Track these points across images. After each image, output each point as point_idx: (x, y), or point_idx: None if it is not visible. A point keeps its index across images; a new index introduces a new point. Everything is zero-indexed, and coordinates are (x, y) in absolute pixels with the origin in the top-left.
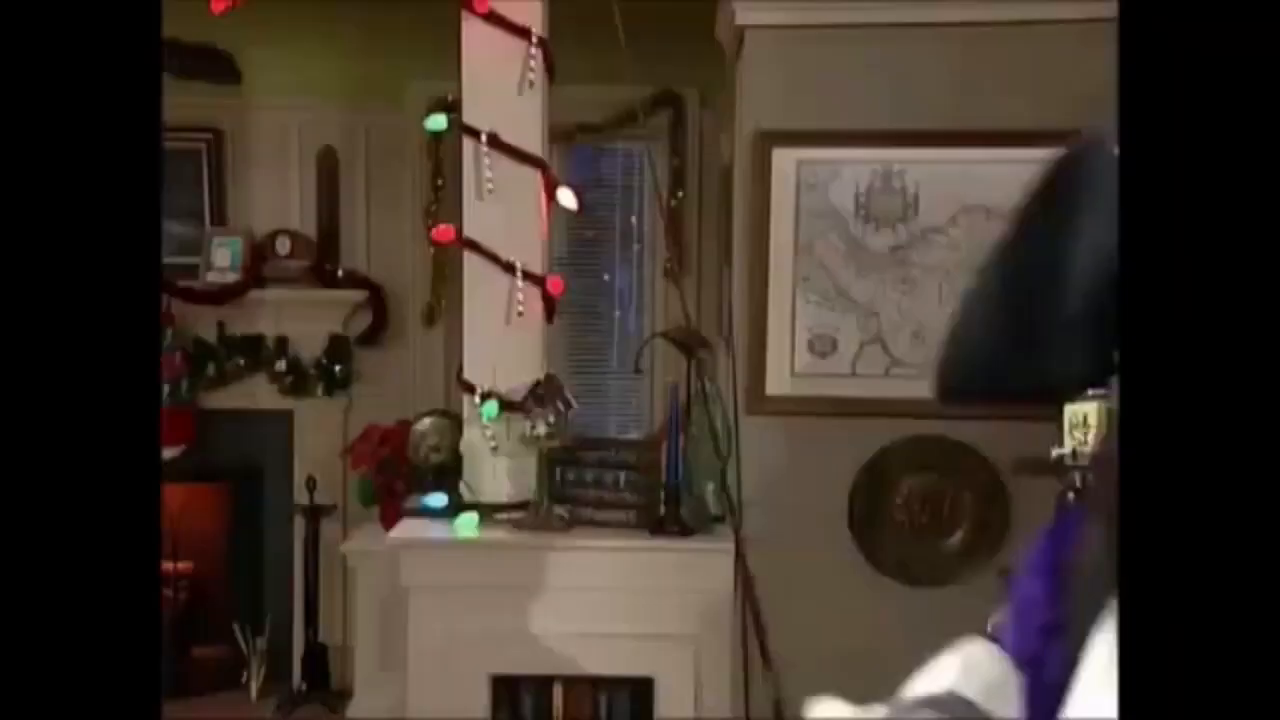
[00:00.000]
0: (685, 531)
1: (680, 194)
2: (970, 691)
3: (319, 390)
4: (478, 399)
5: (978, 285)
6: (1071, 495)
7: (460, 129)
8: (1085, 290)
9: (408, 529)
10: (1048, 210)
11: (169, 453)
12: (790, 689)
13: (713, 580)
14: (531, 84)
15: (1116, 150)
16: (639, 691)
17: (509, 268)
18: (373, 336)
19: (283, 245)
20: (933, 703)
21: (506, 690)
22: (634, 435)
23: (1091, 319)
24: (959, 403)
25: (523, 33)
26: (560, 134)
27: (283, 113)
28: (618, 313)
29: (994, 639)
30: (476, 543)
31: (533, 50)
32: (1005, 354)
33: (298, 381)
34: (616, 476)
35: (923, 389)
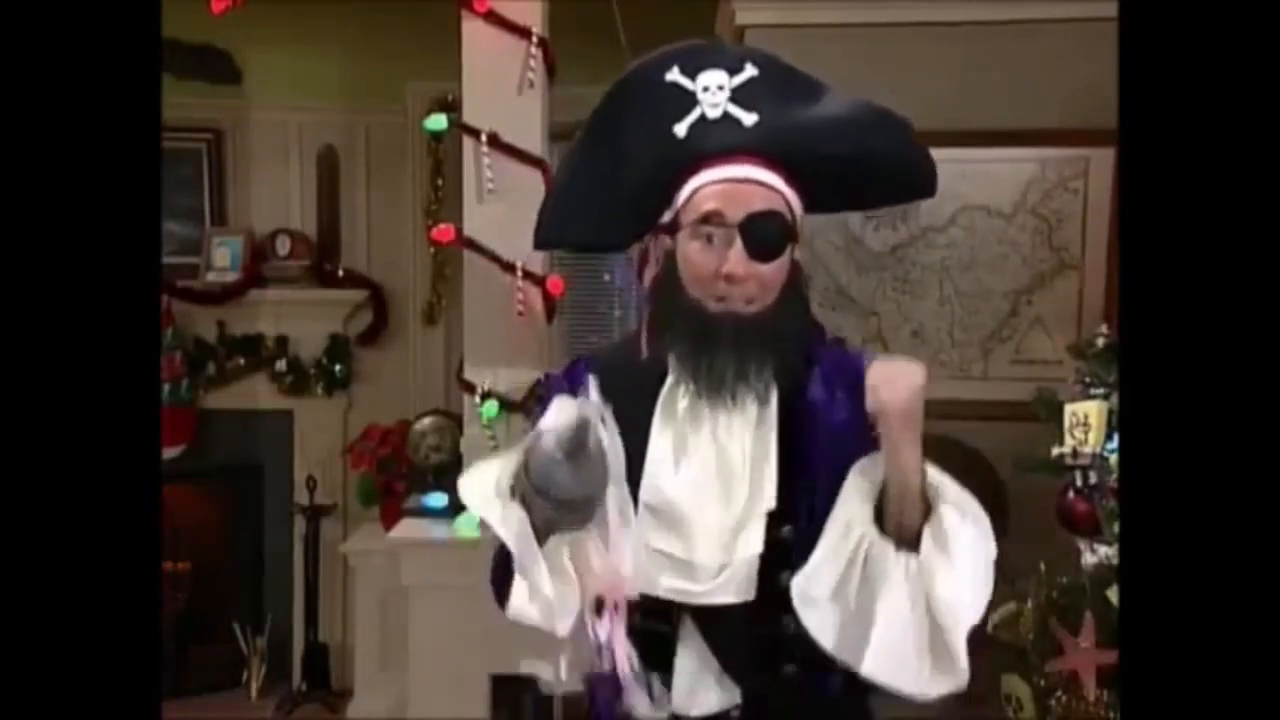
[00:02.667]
0: None
1: None
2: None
3: (319, 390)
4: (478, 399)
5: (563, 173)
6: (1072, 494)
7: (460, 129)
8: (636, 173)
9: (408, 529)
10: (609, 120)
11: (169, 453)
12: None
13: None
14: (531, 84)
15: (665, 73)
16: None
17: (509, 268)
18: (373, 336)
19: (283, 245)
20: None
21: (506, 690)
22: None
23: (648, 188)
24: (550, 248)
25: (523, 33)
26: (560, 134)
27: (283, 113)
28: (618, 313)
29: None
30: (476, 543)
31: (533, 50)
32: (584, 214)
33: (298, 381)
34: None
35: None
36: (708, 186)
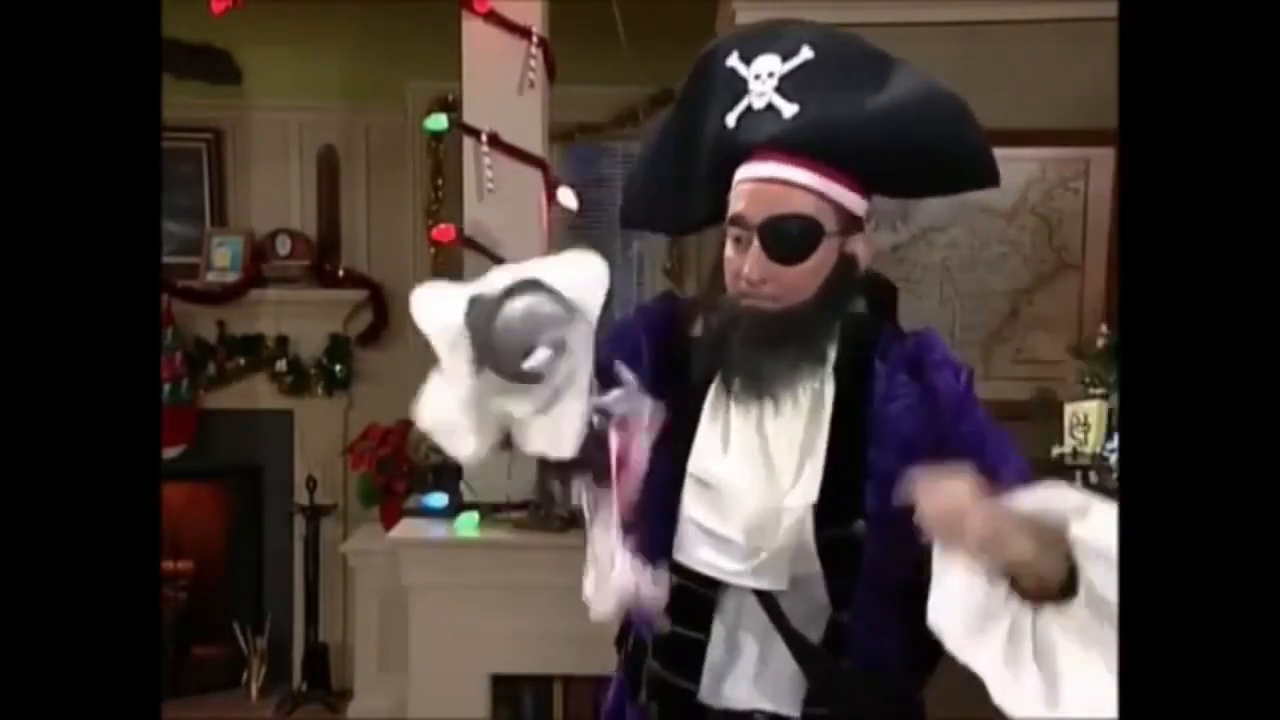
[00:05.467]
0: None
1: None
2: (556, 281)
3: (319, 390)
4: None
5: (644, 150)
6: None
7: (460, 129)
8: (699, 162)
9: (408, 529)
10: (684, 101)
11: (169, 453)
12: None
13: None
14: (531, 84)
15: (727, 58)
16: None
17: None
18: (373, 336)
19: (283, 245)
20: (516, 282)
21: (506, 690)
22: None
23: (709, 177)
24: (632, 229)
25: (523, 33)
26: (560, 134)
27: (283, 113)
28: (617, 313)
29: None
30: (476, 543)
31: (533, 50)
32: (657, 197)
33: (298, 381)
34: None
35: None
36: (739, 185)
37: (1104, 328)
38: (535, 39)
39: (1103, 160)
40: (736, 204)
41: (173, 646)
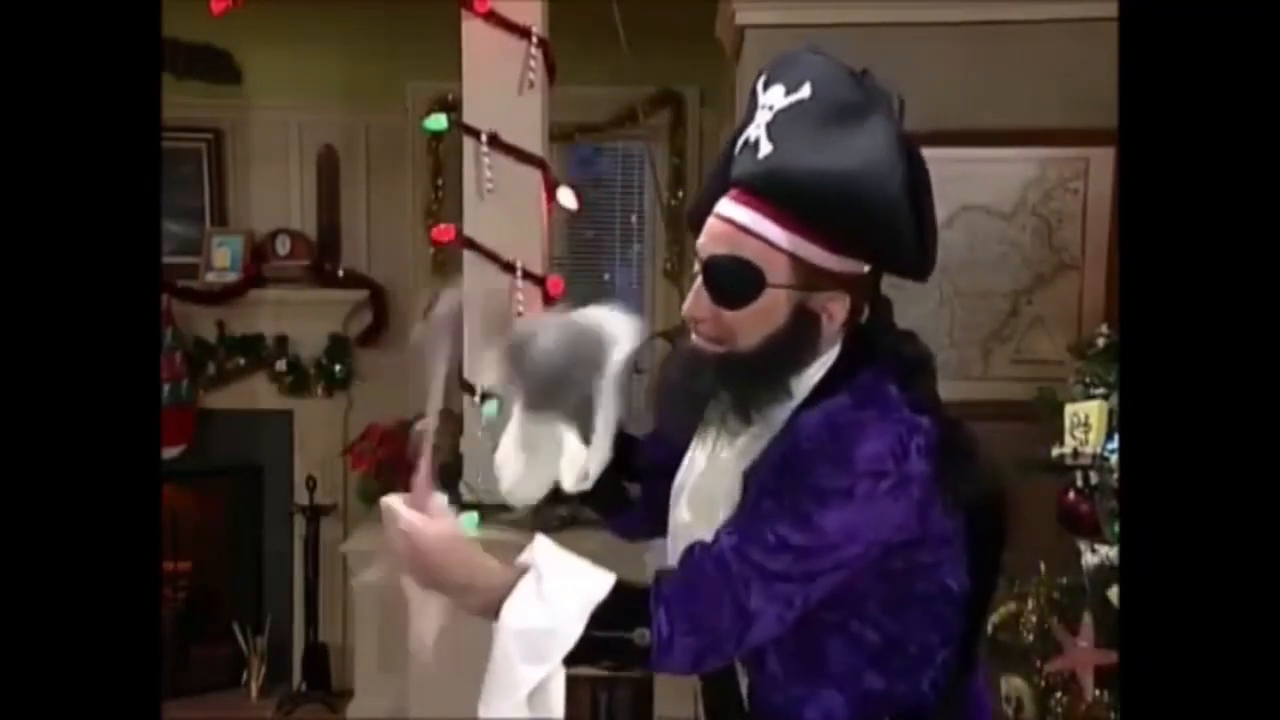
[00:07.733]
0: None
1: (680, 194)
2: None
3: (319, 390)
4: (478, 399)
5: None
6: (1072, 494)
7: (460, 129)
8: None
9: None
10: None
11: (169, 453)
12: None
13: None
14: (531, 84)
15: (759, 79)
16: (639, 691)
17: (509, 268)
18: (373, 336)
19: (283, 245)
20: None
21: None
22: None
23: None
24: (693, 230)
25: (523, 33)
26: (560, 134)
27: (283, 113)
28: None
29: None
30: (476, 542)
31: (533, 50)
32: (703, 207)
33: (298, 381)
34: None
35: None
36: (709, 218)
37: (1104, 328)
38: (535, 39)
39: (1103, 160)
40: (701, 236)
41: (173, 646)
